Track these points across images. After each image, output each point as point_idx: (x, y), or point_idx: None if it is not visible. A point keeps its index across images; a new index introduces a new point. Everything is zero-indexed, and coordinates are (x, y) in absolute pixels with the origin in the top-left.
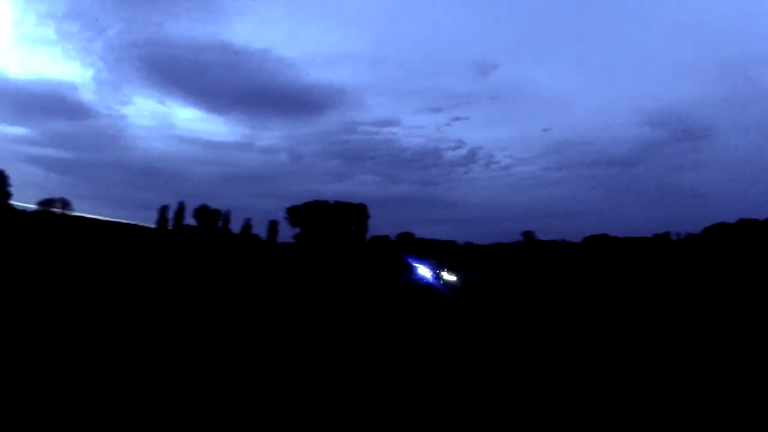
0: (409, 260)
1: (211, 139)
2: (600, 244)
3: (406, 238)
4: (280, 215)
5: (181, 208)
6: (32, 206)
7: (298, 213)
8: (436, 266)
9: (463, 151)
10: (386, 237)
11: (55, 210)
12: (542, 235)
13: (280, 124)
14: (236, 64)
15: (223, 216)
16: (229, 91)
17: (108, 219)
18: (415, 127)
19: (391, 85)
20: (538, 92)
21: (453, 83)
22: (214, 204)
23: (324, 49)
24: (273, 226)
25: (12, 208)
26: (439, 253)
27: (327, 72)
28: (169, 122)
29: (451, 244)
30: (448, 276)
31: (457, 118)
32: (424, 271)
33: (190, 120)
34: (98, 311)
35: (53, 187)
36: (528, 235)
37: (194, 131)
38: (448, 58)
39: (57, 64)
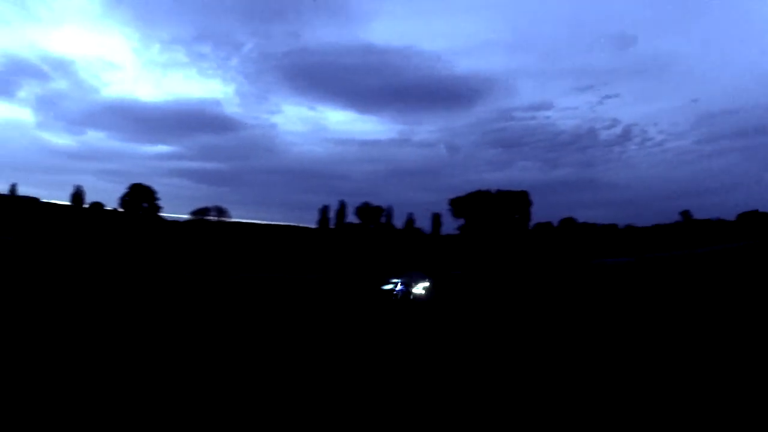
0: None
1: (367, 138)
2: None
3: (568, 223)
4: (443, 208)
5: (342, 207)
6: (185, 216)
7: (460, 204)
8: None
9: (617, 129)
10: (549, 224)
11: (210, 218)
12: (698, 214)
13: (434, 117)
14: (382, 64)
15: (385, 212)
16: (378, 90)
17: (267, 222)
18: (569, 109)
19: (538, 68)
20: (681, 62)
21: (598, 60)
22: (375, 201)
23: (466, 39)
24: (436, 218)
25: (162, 219)
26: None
27: (473, 61)
28: (321, 126)
29: (612, 227)
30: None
31: (607, 96)
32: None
33: (343, 122)
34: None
35: (208, 197)
36: (686, 214)
37: (348, 132)
38: (588, 34)
39: (194, 84)
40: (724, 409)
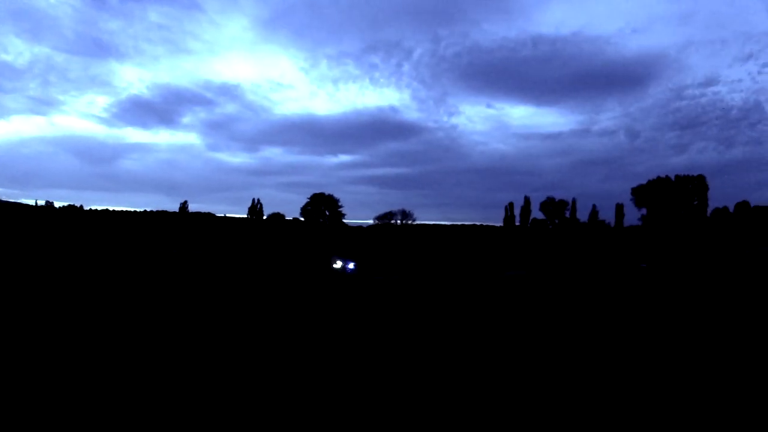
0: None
1: (548, 131)
2: None
3: (743, 207)
4: (626, 197)
5: (527, 202)
6: (370, 221)
7: (642, 193)
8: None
9: None
10: (725, 208)
11: (395, 221)
12: None
13: (612, 103)
14: (553, 54)
15: (569, 206)
16: (553, 81)
17: (453, 223)
18: (735, 81)
19: (701, 39)
20: None
21: (754, 26)
22: (560, 194)
23: (632, 17)
24: (619, 210)
25: (345, 225)
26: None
27: (642, 40)
28: (502, 123)
29: None
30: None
31: (766, 64)
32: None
33: (523, 117)
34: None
35: (393, 201)
36: None
37: (530, 126)
38: None
39: (369, 95)
40: None
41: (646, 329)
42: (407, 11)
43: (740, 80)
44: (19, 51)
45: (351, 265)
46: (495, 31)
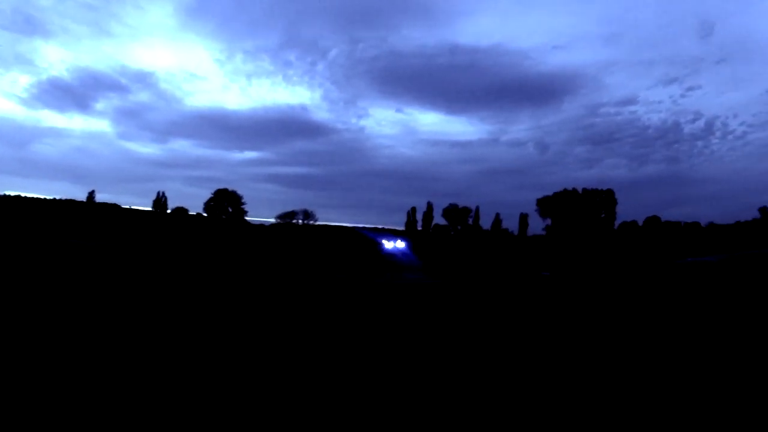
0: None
1: (457, 138)
2: None
3: (652, 222)
4: (531, 208)
5: (429, 208)
6: (271, 220)
7: (548, 204)
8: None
9: (701, 123)
10: (634, 222)
11: (297, 221)
12: None
13: (523, 116)
14: (470, 64)
15: (472, 213)
16: (467, 90)
17: (353, 225)
18: (654, 102)
19: (625, 60)
20: (763, 49)
21: (682, 49)
22: (466, 202)
23: (555, 35)
24: (523, 219)
25: (247, 222)
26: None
27: (562, 57)
28: (411, 128)
29: (695, 225)
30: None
31: (690, 88)
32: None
33: (432, 123)
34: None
35: (297, 201)
36: (765, 211)
37: (438, 133)
38: (672, 22)
39: (281, 92)
40: None
41: (544, 333)
42: (329, 12)
43: (660, 102)
44: None
45: (399, 245)
46: (414, 38)
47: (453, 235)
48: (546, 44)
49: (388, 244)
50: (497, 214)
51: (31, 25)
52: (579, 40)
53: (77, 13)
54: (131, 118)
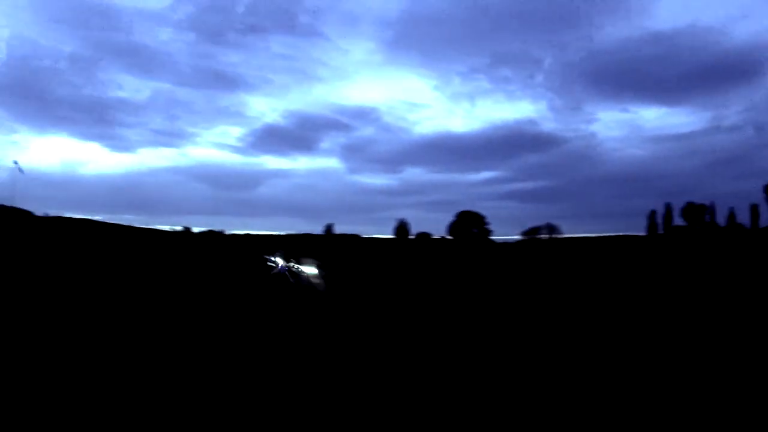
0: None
1: (680, 131)
2: None
3: None
4: (758, 197)
5: (668, 209)
6: (516, 237)
7: None
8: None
9: None
10: None
11: (542, 236)
12: None
13: (737, 96)
14: (673, 49)
15: (708, 209)
16: (679, 78)
17: (596, 235)
18: None
19: None
20: None
21: None
22: (698, 198)
23: (738, 5)
24: (754, 210)
25: (493, 242)
26: None
27: (751, 27)
28: (637, 126)
29: None
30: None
31: None
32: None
33: (655, 119)
34: None
35: (537, 216)
36: None
37: (662, 128)
38: None
39: (505, 108)
40: None
41: None
42: (528, 20)
43: None
44: (136, 87)
45: None
46: (615, 31)
47: (692, 236)
48: (737, 13)
49: None
50: (731, 208)
51: (225, 81)
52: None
53: (273, 64)
54: (358, 152)
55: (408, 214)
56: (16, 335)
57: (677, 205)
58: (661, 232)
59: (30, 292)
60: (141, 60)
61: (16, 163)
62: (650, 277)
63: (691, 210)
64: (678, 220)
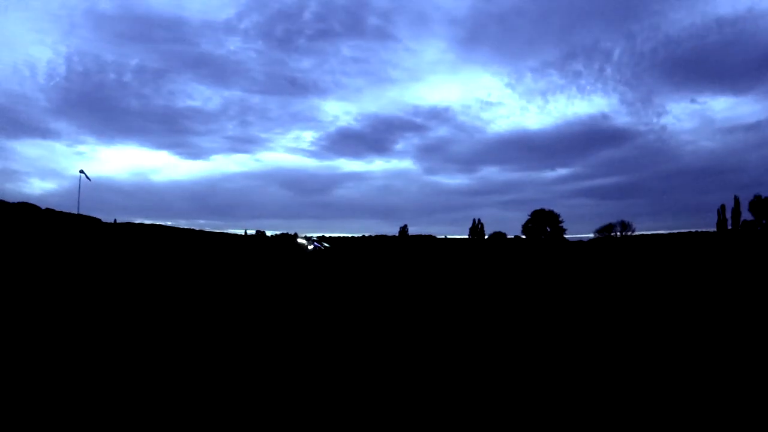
0: None
1: (749, 121)
2: None
3: None
4: None
5: (736, 204)
6: (590, 235)
7: None
8: None
9: None
10: None
11: (615, 234)
12: None
13: None
14: (738, 35)
15: None
16: (745, 65)
17: (668, 232)
18: None
19: None
20: None
21: None
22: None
23: None
24: None
25: (566, 240)
26: None
27: None
28: (707, 117)
29: None
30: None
31: None
32: None
33: (725, 109)
34: None
35: (609, 213)
36: None
37: (732, 118)
38: None
39: (578, 103)
40: None
41: None
42: (594, 11)
43: None
44: (207, 96)
45: None
46: (681, 18)
47: (759, 231)
48: None
49: None
50: None
51: (298, 87)
52: None
53: (345, 68)
54: (434, 152)
55: (483, 214)
56: (80, 338)
57: (745, 198)
58: (730, 227)
59: (93, 294)
60: (211, 70)
61: (82, 171)
62: (718, 279)
63: (758, 204)
64: (746, 215)
